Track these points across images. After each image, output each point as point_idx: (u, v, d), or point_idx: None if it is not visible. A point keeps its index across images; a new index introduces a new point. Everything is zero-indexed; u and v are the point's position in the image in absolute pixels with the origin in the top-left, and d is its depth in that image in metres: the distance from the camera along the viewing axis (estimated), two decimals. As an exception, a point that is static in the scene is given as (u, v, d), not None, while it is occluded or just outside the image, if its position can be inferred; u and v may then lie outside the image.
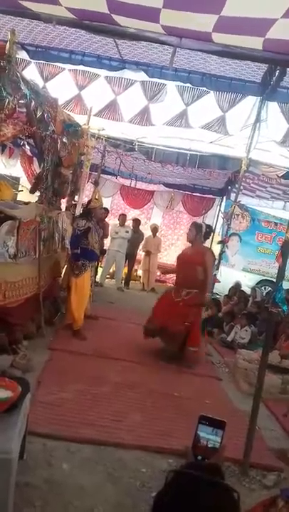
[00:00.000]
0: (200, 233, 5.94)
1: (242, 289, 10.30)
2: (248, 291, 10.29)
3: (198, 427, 1.36)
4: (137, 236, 11.02)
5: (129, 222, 11.17)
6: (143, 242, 11.35)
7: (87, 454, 3.23)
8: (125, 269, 11.14)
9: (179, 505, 1.05)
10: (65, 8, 3.26)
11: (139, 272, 11.84)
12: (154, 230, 11.58)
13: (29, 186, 8.14)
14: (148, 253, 11.24)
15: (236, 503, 1.09)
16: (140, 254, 11.56)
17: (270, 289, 10.92)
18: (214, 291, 9.47)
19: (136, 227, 11.15)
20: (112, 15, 3.17)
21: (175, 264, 6.37)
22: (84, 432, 3.50)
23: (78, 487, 2.84)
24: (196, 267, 5.73)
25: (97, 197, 6.50)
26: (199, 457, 1.31)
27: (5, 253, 4.37)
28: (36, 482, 2.78)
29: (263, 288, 11.56)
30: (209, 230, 6.23)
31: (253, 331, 7.13)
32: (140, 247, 11.45)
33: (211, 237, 7.29)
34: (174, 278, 6.47)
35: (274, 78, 5.81)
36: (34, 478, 2.81)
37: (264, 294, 10.85)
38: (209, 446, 1.34)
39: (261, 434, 4.05)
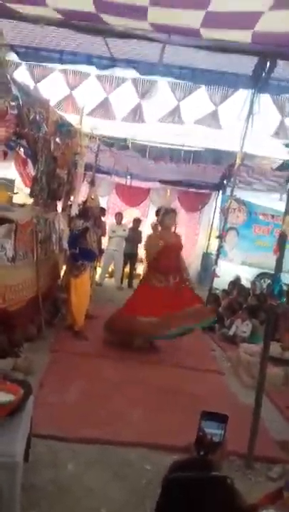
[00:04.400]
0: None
1: (241, 282, 10.31)
2: (247, 285, 10.30)
3: (201, 423, 1.38)
4: (136, 235, 10.97)
5: (126, 221, 11.14)
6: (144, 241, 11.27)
7: (91, 454, 3.24)
8: (127, 269, 11.10)
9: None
10: (53, 9, 3.26)
11: (140, 270, 11.80)
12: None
13: (24, 188, 8.10)
14: None
15: (230, 488, 1.10)
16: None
17: (269, 281, 10.92)
18: (214, 286, 9.50)
19: (136, 226, 11.11)
20: (100, 14, 3.17)
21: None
22: (88, 432, 3.51)
23: (84, 487, 2.85)
24: (180, 252, 6.09)
25: (93, 196, 6.49)
26: (202, 452, 1.33)
27: (3, 256, 4.37)
28: (42, 483, 2.79)
29: (262, 281, 11.57)
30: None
31: (255, 324, 7.13)
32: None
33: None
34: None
35: (265, 70, 5.80)
36: (40, 479, 2.82)
37: (264, 286, 10.86)
38: (213, 440, 1.35)
39: (265, 427, 4.05)
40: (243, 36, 3.22)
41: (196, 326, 5.98)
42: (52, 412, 3.71)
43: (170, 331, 5.66)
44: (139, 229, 11.19)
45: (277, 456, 3.62)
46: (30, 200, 6.10)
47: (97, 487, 2.87)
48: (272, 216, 11.60)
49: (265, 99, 6.59)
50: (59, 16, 3.46)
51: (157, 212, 6.29)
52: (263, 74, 6.00)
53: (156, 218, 6.33)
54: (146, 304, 5.72)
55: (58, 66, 7.32)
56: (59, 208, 7.26)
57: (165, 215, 6.06)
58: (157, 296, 5.75)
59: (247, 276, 11.48)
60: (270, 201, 11.61)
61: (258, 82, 6.26)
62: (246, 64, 6.15)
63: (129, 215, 12.30)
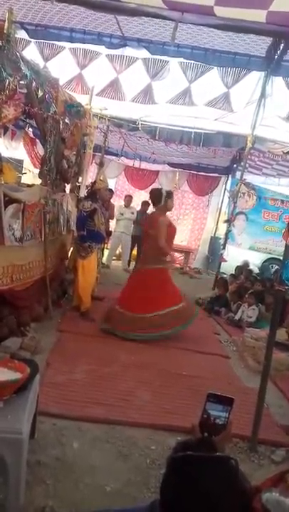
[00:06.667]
0: None
1: (249, 267, 10.29)
2: (255, 270, 10.30)
3: (206, 404, 1.38)
4: (144, 218, 10.91)
5: (134, 204, 11.10)
6: None
7: (97, 433, 3.28)
8: (135, 252, 11.09)
9: (181, 492, 1.06)
10: (64, -16, 3.19)
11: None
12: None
13: (32, 169, 8.07)
14: None
15: (234, 468, 1.10)
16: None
17: (277, 267, 10.90)
18: (221, 270, 9.50)
19: (144, 209, 11.05)
20: (112, -11, 3.10)
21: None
22: (94, 411, 3.54)
23: (89, 465, 2.88)
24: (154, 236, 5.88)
25: (102, 178, 6.45)
26: (206, 434, 1.33)
27: (11, 236, 4.36)
28: (47, 460, 2.82)
29: (270, 266, 11.55)
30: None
31: (261, 309, 7.13)
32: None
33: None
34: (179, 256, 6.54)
35: (278, 52, 5.68)
36: (45, 456, 2.86)
37: (272, 272, 10.85)
38: (217, 422, 1.36)
39: (269, 411, 4.08)
40: (258, 16, 3.14)
41: (182, 327, 5.72)
42: (58, 391, 3.75)
43: (161, 332, 5.58)
44: (148, 212, 11.13)
45: (281, 440, 3.64)
46: (38, 181, 6.07)
47: (102, 465, 2.91)
48: (282, 201, 11.51)
49: (279, 82, 6.48)
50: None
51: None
52: (276, 56, 5.89)
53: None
54: (127, 295, 5.84)
55: (68, 45, 7.23)
56: (67, 189, 7.24)
57: None
58: (139, 285, 5.76)
59: (255, 261, 11.46)
60: (279, 186, 11.53)
61: (271, 63, 6.15)
62: (260, 45, 6.04)
63: (138, 197, 12.26)
